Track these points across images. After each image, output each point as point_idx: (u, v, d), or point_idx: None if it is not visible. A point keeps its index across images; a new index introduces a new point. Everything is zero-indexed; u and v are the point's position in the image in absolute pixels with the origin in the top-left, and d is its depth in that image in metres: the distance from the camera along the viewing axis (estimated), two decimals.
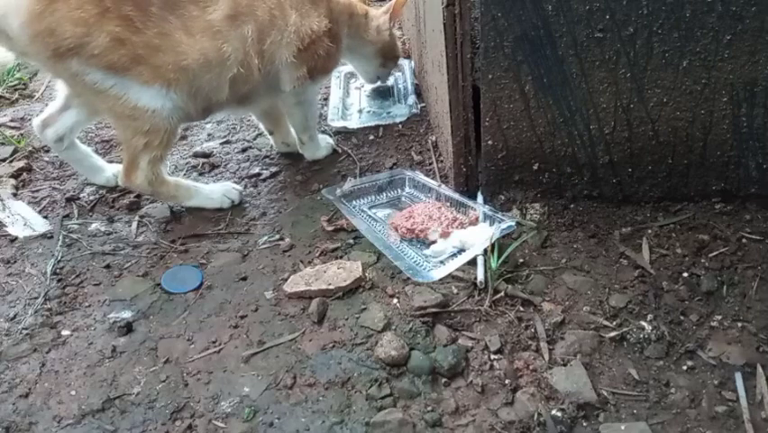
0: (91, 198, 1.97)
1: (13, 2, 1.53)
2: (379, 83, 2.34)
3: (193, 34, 1.60)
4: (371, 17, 2.01)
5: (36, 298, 1.60)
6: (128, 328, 1.49)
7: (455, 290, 1.48)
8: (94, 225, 1.85)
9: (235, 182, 1.95)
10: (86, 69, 1.58)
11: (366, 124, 2.20)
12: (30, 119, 2.36)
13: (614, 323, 1.38)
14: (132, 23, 1.55)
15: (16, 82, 2.72)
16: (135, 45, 1.56)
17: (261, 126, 2.15)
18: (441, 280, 1.50)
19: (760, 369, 1.26)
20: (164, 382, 1.36)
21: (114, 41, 1.55)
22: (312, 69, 1.81)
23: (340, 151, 2.07)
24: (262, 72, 1.72)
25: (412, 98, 2.29)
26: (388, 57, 2.12)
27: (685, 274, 1.47)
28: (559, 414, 1.21)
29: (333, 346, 1.39)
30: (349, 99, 2.39)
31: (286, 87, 1.82)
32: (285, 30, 1.71)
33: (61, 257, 1.73)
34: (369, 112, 2.31)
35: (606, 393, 1.25)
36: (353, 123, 2.22)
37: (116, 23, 1.54)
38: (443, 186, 1.78)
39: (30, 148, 2.22)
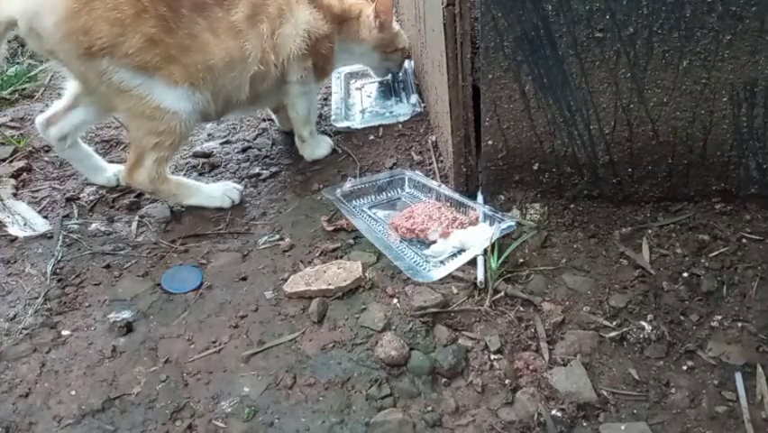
0: (91, 198, 1.97)
1: (48, 0, 1.54)
2: (388, 77, 2.39)
3: (218, 35, 1.67)
4: (365, 16, 2.08)
5: (36, 298, 1.60)
6: (128, 328, 1.49)
7: (455, 290, 1.48)
8: (94, 225, 1.85)
9: (235, 182, 1.95)
10: (114, 69, 1.60)
11: (370, 124, 2.20)
12: (30, 119, 2.36)
13: (614, 323, 1.38)
14: (166, 24, 1.59)
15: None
16: (168, 45, 1.61)
17: (269, 111, 2.23)
18: (441, 280, 1.50)
19: (760, 369, 1.26)
20: (164, 382, 1.36)
21: (149, 41, 1.58)
22: (315, 65, 1.91)
23: (340, 151, 2.07)
24: (278, 68, 1.80)
25: (414, 97, 2.29)
26: (387, 51, 2.18)
27: (685, 274, 1.47)
28: (559, 414, 1.21)
29: (333, 346, 1.39)
30: (350, 100, 2.39)
31: (293, 78, 1.90)
32: (297, 25, 1.80)
33: (61, 257, 1.73)
34: (372, 112, 2.31)
35: (606, 393, 1.25)
36: (357, 123, 2.23)
37: (152, 23, 1.58)
38: (443, 186, 1.78)
39: (30, 148, 2.22)
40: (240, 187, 1.91)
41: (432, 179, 1.85)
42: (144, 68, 1.61)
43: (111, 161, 2.07)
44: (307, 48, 1.85)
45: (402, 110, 2.26)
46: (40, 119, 1.89)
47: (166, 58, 1.61)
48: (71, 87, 1.86)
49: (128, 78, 1.62)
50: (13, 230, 1.84)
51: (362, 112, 2.31)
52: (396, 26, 2.18)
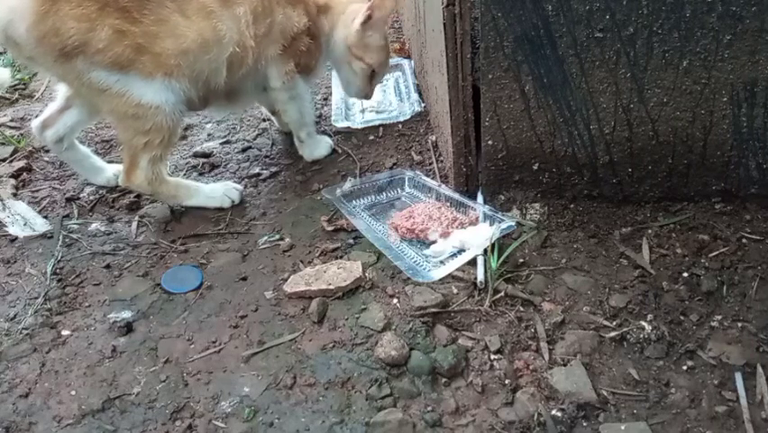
0: (91, 198, 1.97)
1: (18, 7, 1.54)
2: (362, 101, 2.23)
3: (189, 16, 1.63)
4: (353, 8, 1.96)
5: (36, 298, 1.60)
6: (128, 328, 1.49)
7: (455, 290, 1.48)
8: (94, 225, 1.85)
9: (235, 182, 1.95)
10: (90, 68, 1.59)
11: (370, 124, 2.20)
12: (30, 119, 2.36)
13: (614, 323, 1.38)
14: (129, 14, 1.57)
15: (16, 82, 2.72)
16: (135, 35, 1.58)
17: (264, 110, 2.20)
18: (441, 280, 1.50)
19: (760, 369, 1.26)
20: (164, 382, 1.36)
21: (117, 33, 1.57)
22: (298, 65, 1.88)
23: (339, 151, 2.07)
24: (255, 56, 1.76)
25: (414, 96, 2.29)
26: (354, 53, 1.97)
27: (685, 274, 1.47)
28: (559, 414, 1.21)
29: (333, 346, 1.39)
30: (350, 100, 2.39)
31: (276, 84, 1.88)
32: (273, 25, 1.78)
33: (61, 257, 1.73)
34: (372, 112, 2.30)
35: (606, 393, 1.25)
36: (357, 123, 2.22)
37: (116, 15, 1.56)
38: (443, 186, 1.78)
39: (30, 148, 2.22)
40: (240, 187, 1.91)
41: (432, 179, 1.85)
42: (118, 63, 1.59)
43: (110, 161, 2.07)
44: (283, 49, 1.81)
45: (402, 110, 2.26)
46: (35, 123, 1.89)
47: (135, 48, 1.59)
48: (63, 89, 1.86)
49: (105, 76, 1.61)
50: (13, 230, 1.84)
51: (362, 112, 2.31)
52: (381, 42, 1.98)
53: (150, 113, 1.65)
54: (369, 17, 1.91)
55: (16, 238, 1.81)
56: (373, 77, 2.04)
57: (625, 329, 1.36)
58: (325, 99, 2.42)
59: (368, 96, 2.10)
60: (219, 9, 1.66)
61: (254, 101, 2.11)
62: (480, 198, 1.71)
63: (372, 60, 1.98)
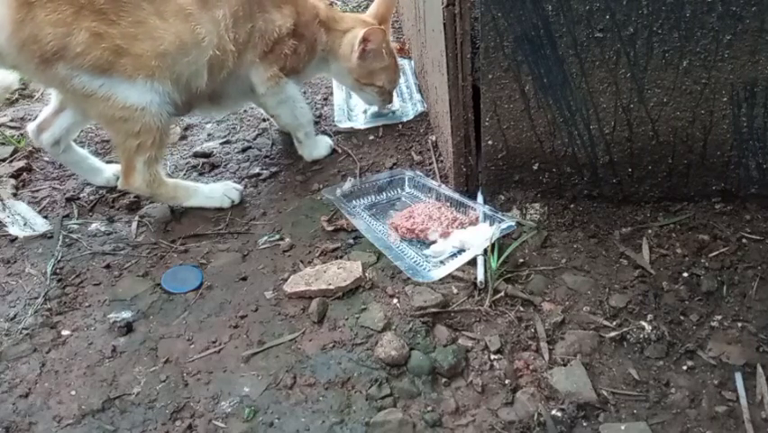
0: (91, 198, 1.97)
1: None
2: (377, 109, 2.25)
3: (166, 18, 1.62)
4: (351, 36, 2.00)
5: (36, 298, 1.60)
6: (128, 328, 1.49)
7: (455, 290, 1.48)
8: (94, 225, 1.85)
9: (235, 182, 1.95)
10: (72, 73, 1.58)
11: (373, 124, 2.20)
12: (30, 119, 2.35)
13: (614, 323, 1.38)
14: (106, 17, 1.57)
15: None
16: (113, 37, 1.57)
17: (264, 112, 2.19)
18: (441, 280, 1.50)
19: (760, 369, 1.26)
20: (164, 382, 1.36)
21: (94, 36, 1.56)
22: (283, 69, 1.88)
23: (339, 150, 2.07)
24: (236, 59, 1.76)
25: (417, 96, 2.29)
26: (362, 81, 2.08)
27: (685, 274, 1.47)
28: (559, 414, 1.21)
29: (333, 346, 1.39)
30: (352, 100, 2.38)
31: (261, 90, 1.89)
32: (253, 31, 1.78)
33: (61, 257, 1.73)
34: (374, 112, 2.30)
35: (606, 393, 1.25)
36: (360, 123, 2.22)
37: (92, 18, 1.55)
38: (443, 186, 1.78)
39: (30, 148, 2.22)
40: (239, 187, 1.91)
41: (432, 179, 1.85)
42: (98, 67, 1.58)
43: (110, 162, 2.07)
44: (264, 54, 1.82)
45: (405, 110, 2.25)
46: (32, 126, 1.89)
47: (114, 51, 1.58)
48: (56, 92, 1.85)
49: (88, 80, 1.60)
50: (13, 230, 1.84)
51: (365, 112, 2.31)
52: (384, 62, 2.04)
53: (137, 114, 1.65)
54: (363, 50, 1.98)
55: (16, 238, 1.81)
56: (389, 89, 2.15)
57: (625, 329, 1.36)
58: (325, 99, 2.42)
59: (391, 101, 2.22)
60: (198, 12, 1.65)
61: (240, 104, 2.11)
62: (480, 198, 1.71)
63: (382, 81, 2.09)
